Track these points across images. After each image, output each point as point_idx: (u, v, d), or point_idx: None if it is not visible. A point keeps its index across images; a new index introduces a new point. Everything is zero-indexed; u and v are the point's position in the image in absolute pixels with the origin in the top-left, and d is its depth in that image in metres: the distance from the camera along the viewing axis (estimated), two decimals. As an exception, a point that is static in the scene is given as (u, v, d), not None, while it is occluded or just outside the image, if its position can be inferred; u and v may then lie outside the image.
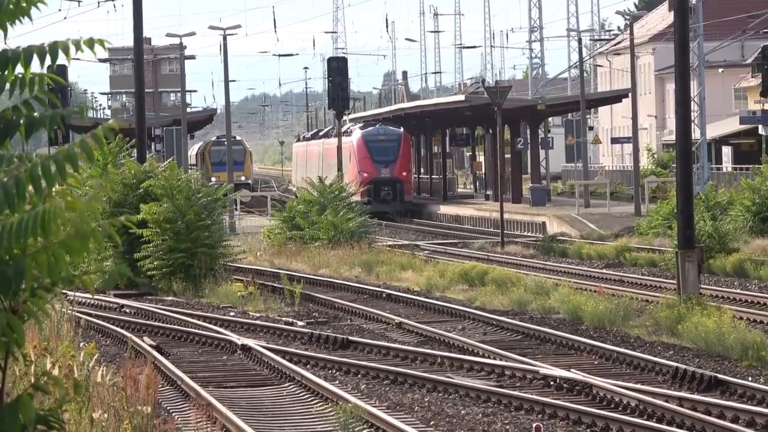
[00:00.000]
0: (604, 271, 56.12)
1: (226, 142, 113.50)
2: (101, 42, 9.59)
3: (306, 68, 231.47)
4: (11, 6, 9.41)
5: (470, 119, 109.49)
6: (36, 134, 9.67)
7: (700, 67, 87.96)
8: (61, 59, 9.56)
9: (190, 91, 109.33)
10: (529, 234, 77.16)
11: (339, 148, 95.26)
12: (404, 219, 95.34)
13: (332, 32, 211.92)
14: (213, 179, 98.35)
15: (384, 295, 46.69)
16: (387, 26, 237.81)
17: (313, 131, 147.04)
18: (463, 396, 28.42)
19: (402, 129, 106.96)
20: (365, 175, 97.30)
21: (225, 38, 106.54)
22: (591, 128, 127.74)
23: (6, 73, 9.56)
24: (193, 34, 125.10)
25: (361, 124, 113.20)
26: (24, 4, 9.37)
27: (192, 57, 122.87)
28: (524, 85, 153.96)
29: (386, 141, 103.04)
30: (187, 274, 48.65)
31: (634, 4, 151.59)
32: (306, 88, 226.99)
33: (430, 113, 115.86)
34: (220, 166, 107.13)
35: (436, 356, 33.15)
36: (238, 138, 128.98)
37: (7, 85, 9.44)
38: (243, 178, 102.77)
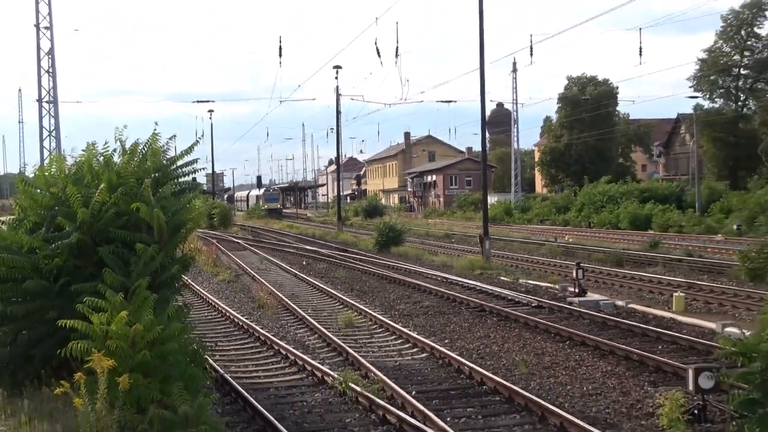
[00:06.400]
0: (319, 224, 54.85)
1: (271, 190, 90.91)
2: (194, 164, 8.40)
3: (248, 175, 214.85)
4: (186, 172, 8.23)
5: (296, 188, 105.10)
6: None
7: (339, 178, 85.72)
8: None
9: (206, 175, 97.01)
10: (305, 218, 73.32)
11: (257, 197, 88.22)
12: (280, 216, 79.57)
13: (247, 160, 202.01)
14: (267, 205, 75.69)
15: (272, 231, 44.90)
16: (270, 158, 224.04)
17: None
18: (287, 253, 27.99)
19: (279, 190, 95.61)
20: (268, 205, 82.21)
21: (212, 163, 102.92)
22: (322, 192, 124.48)
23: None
24: (202, 162, 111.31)
25: (266, 189, 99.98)
26: (187, 171, 8.18)
27: (203, 168, 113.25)
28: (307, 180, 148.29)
29: (274, 195, 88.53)
30: (224, 225, 45.87)
31: (336, 156, 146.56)
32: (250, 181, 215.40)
33: (285, 187, 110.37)
34: (270, 201, 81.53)
35: (282, 244, 32.19)
36: (277, 188, 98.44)
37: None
38: (279, 206, 76.82)
